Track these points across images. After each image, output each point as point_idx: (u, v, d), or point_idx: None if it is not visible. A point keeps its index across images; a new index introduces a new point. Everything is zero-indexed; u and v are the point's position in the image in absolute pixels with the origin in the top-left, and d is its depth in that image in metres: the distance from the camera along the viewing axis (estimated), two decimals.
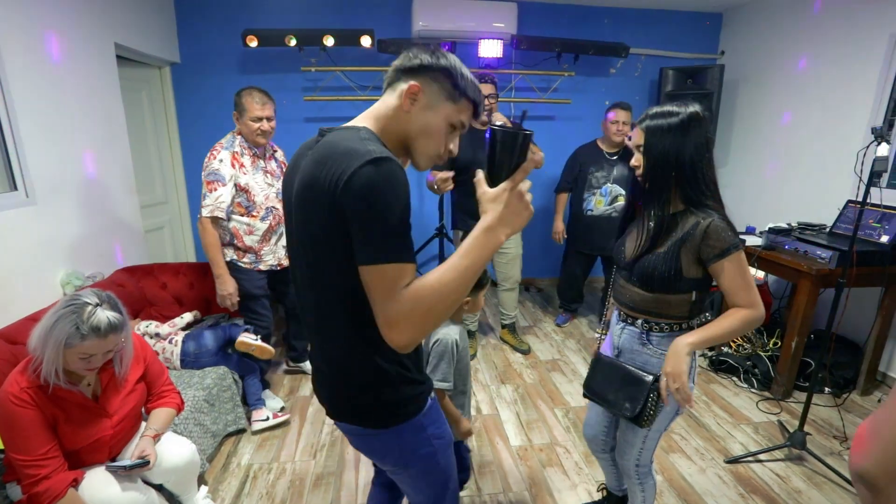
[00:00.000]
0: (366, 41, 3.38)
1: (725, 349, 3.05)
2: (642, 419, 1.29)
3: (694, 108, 1.27)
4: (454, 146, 0.98)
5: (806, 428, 2.17)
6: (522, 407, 2.62)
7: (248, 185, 2.28)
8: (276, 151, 2.49)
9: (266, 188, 2.36)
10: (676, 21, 4.11)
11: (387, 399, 0.96)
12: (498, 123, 2.25)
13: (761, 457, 2.19)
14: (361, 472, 2.10)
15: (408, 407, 0.99)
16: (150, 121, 3.54)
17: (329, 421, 2.44)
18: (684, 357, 1.23)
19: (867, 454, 0.55)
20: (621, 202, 3.15)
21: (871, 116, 2.89)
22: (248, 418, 2.37)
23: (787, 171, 3.49)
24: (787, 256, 2.56)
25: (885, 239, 2.50)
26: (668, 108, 1.28)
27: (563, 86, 3.96)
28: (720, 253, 1.21)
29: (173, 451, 1.58)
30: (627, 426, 1.46)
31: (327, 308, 0.92)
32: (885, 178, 2.77)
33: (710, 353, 3.13)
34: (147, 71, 3.49)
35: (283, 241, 2.45)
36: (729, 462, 2.17)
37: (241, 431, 2.33)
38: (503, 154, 0.84)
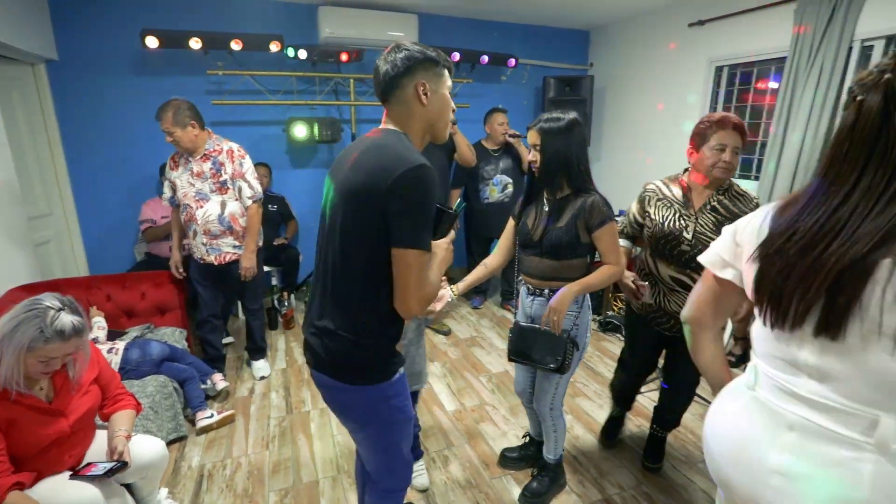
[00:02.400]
0: (274, 47, 3.43)
1: (610, 312, 3.70)
2: (563, 368, 1.67)
3: (573, 114, 1.69)
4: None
5: None
6: (452, 378, 2.96)
7: (175, 183, 2.55)
8: (219, 153, 2.53)
9: (187, 187, 2.52)
10: (554, 36, 4.75)
11: (362, 362, 1.14)
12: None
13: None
14: (317, 450, 2.26)
15: (377, 372, 1.16)
16: (24, 123, 3.21)
17: (275, 414, 2.55)
18: (568, 298, 1.62)
19: (686, 309, 1.06)
20: (510, 189, 3.71)
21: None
22: (193, 422, 2.39)
23: (647, 165, 4.28)
24: None
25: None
26: (555, 114, 1.68)
27: (462, 91, 4.37)
28: (599, 223, 1.61)
29: (145, 447, 1.63)
30: (543, 376, 1.80)
31: (349, 281, 1.11)
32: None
33: (598, 318, 3.77)
34: (17, 67, 3.16)
35: (203, 239, 2.53)
36: None
37: (182, 438, 2.34)
38: (444, 226, 1.20)
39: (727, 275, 0.94)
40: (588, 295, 1.76)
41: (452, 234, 1.22)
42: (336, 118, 3.93)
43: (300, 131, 3.72)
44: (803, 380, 0.80)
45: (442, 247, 1.17)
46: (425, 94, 1.13)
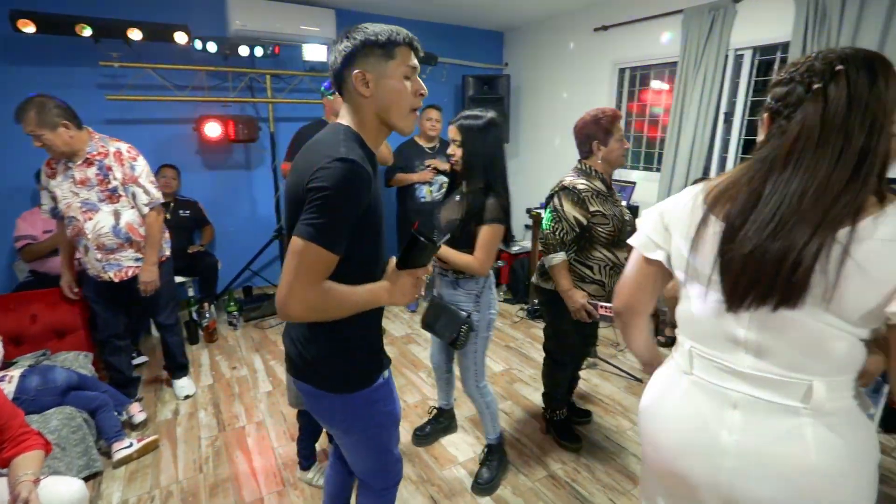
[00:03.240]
0: (181, 37, 3.16)
1: (536, 301, 3.90)
2: (457, 343, 1.79)
3: (492, 113, 1.78)
4: (422, 88, 1.07)
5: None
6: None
7: (54, 193, 2.22)
8: (105, 155, 2.23)
9: (70, 197, 2.21)
10: (471, 36, 4.88)
11: (341, 368, 1.10)
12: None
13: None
14: (258, 466, 2.14)
15: (359, 379, 1.11)
16: None
17: (206, 433, 2.38)
18: (447, 255, 1.73)
19: (615, 300, 1.07)
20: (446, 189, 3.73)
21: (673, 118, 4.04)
22: (109, 455, 2.15)
23: (564, 161, 4.56)
24: None
25: (623, 203, 3.58)
26: (475, 112, 1.77)
27: None
28: (489, 220, 1.68)
29: (60, 490, 1.44)
30: (461, 356, 1.93)
31: None
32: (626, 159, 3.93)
33: (526, 307, 3.96)
34: None
35: (96, 255, 2.26)
36: None
37: (97, 475, 2.09)
38: (418, 256, 1.06)
39: (658, 256, 0.95)
40: (492, 278, 1.89)
41: (429, 268, 1.11)
42: (253, 116, 3.72)
43: (213, 130, 3.47)
44: (741, 356, 0.82)
45: (404, 277, 1.07)
46: (366, 84, 1.00)
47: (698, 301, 0.87)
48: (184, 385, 2.71)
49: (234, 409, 2.59)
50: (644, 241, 0.98)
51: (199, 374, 2.95)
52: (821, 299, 0.73)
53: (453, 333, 1.78)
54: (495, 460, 2.05)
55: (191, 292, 3.63)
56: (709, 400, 0.86)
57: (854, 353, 0.77)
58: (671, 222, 0.92)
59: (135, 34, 3.02)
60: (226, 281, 3.86)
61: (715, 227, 0.82)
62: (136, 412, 2.40)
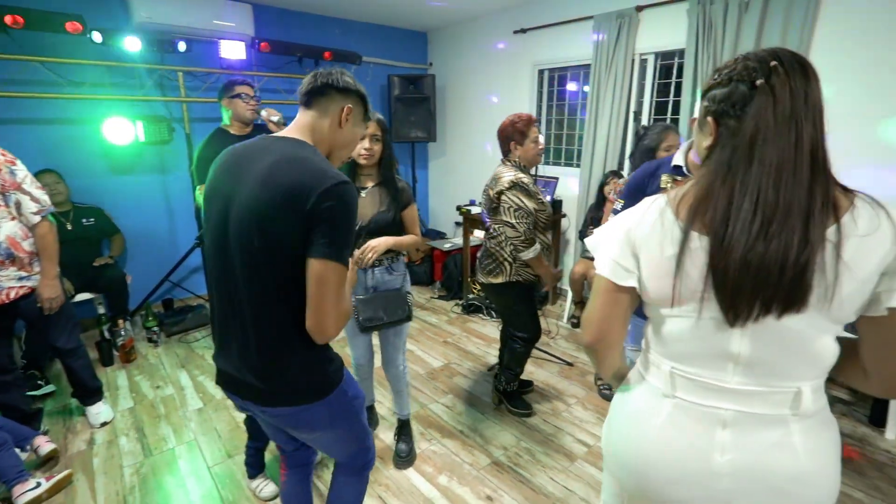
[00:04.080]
0: (73, 28, 2.86)
1: (471, 295, 4.01)
2: (411, 315, 1.97)
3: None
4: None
5: None
6: None
7: None
8: None
9: None
10: (395, 36, 4.87)
11: (319, 376, 1.14)
12: (273, 119, 2.47)
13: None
14: (192, 488, 2.02)
15: (334, 377, 1.17)
16: None
17: (130, 461, 2.20)
18: (385, 243, 1.82)
19: (588, 334, 0.93)
20: None
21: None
22: (10, 500, 1.91)
23: (489, 158, 4.70)
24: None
25: (548, 199, 3.78)
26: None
27: None
28: (408, 202, 1.94)
29: None
30: (396, 337, 2.06)
31: (267, 302, 1.05)
32: (542, 157, 4.12)
33: (461, 301, 4.05)
34: None
35: None
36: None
37: None
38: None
39: (631, 282, 0.85)
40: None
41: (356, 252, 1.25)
42: (165, 116, 3.46)
43: (119, 131, 3.19)
44: (729, 372, 0.79)
45: (352, 272, 1.20)
46: (347, 119, 1.15)
47: (687, 321, 0.80)
48: (99, 411, 2.47)
49: (161, 431, 2.41)
50: (613, 268, 0.86)
51: (116, 398, 2.71)
52: (823, 300, 0.71)
53: (404, 309, 1.93)
54: (409, 433, 2.24)
55: (100, 309, 3.31)
56: (696, 422, 0.82)
57: (835, 351, 0.77)
58: (639, 243, 0.83)
59: (13, 22, 2.67)
60: (142, 294, 3.57)
61: (698, 243, 0.75)
62: (43, 443, 2.16)
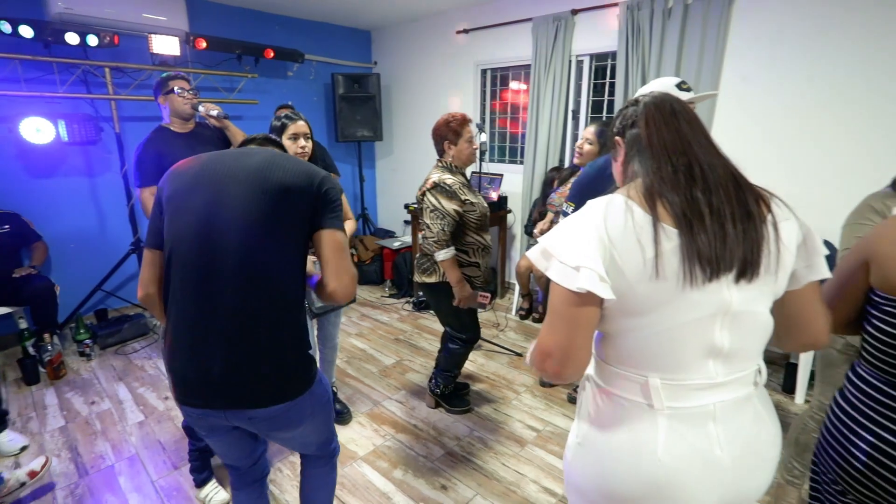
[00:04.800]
0: None
1: (420, 293, 4.05)
2: (355, 299, 2.09)
3: None
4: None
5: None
6: None
7: None
8: None
9: None
10: (339, 34, 4.81)
11: (306, 366, 1.19)
12: (213, 113, 2.42)
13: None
14: (135, 503, 1.94)
15: (313, 366, 1.22)
16: None
17: (63, 482, 2.07)
18: None
19: (548, 365, 0.81)
20: None
21: (474, 115, 4.32)
22: None
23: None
24: None
25: (494, 195, 3.89)
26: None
27: (247, 86, 4.09)
28: (339, 193, 2.19)
29: None
30: (334, 317, 2.25)
31: (257, 298, 1.08)
32: (486, 155, 4.23)
33: (411, 299, 4.09)
34: None
35: None
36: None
37: None
38: None
39: (608, 293, 0.76)
40: None
41: None
42: (91, 115, 3.25)
43: (37, 131, 2.97)
44: (710, 367, 0.81)
45: None
46: None
47: (667, 326, 0.79)
48: (10, 439, 2.27)
49: (98, 448, 2.29)
50: (592, 279, 0.74)
51: (44, 418, 2.53)
52: (769, 272, 0.79)
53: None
54: (336, 394, 2.47)
55: (23, 324, 3.07)
56: (692, 426, 0.81)
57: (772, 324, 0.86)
58: (616, 249, 0.76)
59: None
60: (71, 306, 3.34)
61: (670, 236, 0.76)
62: None
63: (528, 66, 3.90)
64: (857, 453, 0.94)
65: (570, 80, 3.66)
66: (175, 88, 2.33)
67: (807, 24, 2.62)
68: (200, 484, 1.95)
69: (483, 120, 4.32)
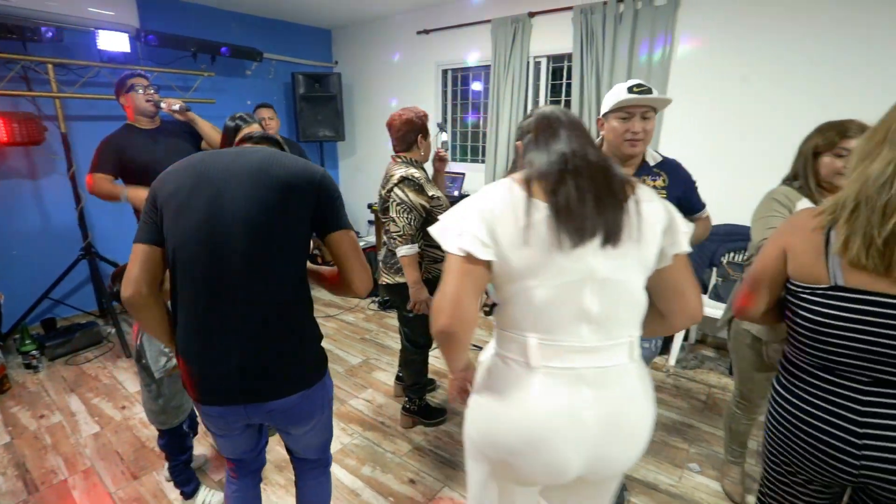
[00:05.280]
0: None
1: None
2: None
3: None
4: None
5: None
6: None
7: None
8: None
9: None
10: (298, 32, 4.75)
11: (318, 356, 1.24)
12: (175, 108, 2.37)
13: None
14: None
15: (324, 353, 1.27)
16: None
17: (9, 501, 1.97)
18: None
19: (439, 318, 0.91)
20: None
21: (436, 115, 4.36)
22: None
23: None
24: None
25: (455, 193, 3.95)
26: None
27: (203, 85, 3.99)
28: None
29: None
30: None
31: (266, 292, 1.10)
32: (449, 154, 4.28)
33: (377, 298, 4.09)
34: None
35: None
36: None
37: None
38: None
39: (489, 255, 0.89)
40: None
41: None
42: (33, 113, 3.09)
43: None
44: (585, 332, 0.89)
45: None
46: None
47: (542, 290, 0.88)
48: None
49: (50, 463, 2.19)
50: (472, 241, 0.88)
51: None
52: (632, 239, 0.89)
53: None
54: None
55: None
56: (565, 385, 0.89)
57: (646, 301, 0.95)
58: (495, 218, 0.89)
59: None
60: (16, 315, 3.16)
61: (541, 212, 0.88)
62: None
63: (488, 67, 3.98)
64: (803, 435, 0.98)
65: (528, 80, 3.76)
66: (135, 86, 2.34)
67: (741, 30, 2.82)
68: (191, 494, 1.89)
69: (445, 119, 4.37)
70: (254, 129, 1.97)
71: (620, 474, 1.04)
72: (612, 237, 0.87)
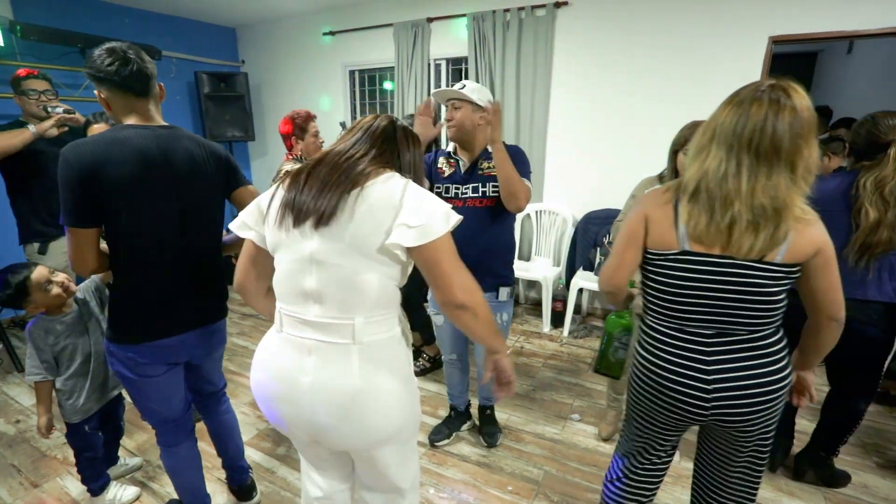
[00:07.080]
0: None
1: None
2: None
3: None
4: None
5: None
6: None
7: None
8: None
9: None
10: (201, 30, 4.63)
11: (226, 293, 1.59)
12: (59, 111, 2.35)
13: None
14: None
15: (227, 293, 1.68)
16: None
17: None
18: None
19: (235, 282, 1.16)
20: None
21: (345, 114, 4.46)
22: None
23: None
24: None
25: None
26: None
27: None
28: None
29: None
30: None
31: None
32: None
33: None
34: None
35: None
36: None
37: None
38: None
39: (250, 235, 1.08)
40: None
41: None
42: None
43: None
44: (310, 307, 0.99)
45: None
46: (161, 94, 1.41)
47: (282, 265, 1.02)
48: None
49: None
50: (238, 224, 1.10)
51: None
52: (342, 227, 0.95)
53: None
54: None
55: None
56: (292, 350, 1.01)
57: (386, 290, 1.00)
58: (262, 208, 1.08)
59: None
60: None
61: (279, 199, 1.03)
62: None
63: (392, 68, 4.16)
64: (663, 388, 1.11)
65: (429, 81, 3.99)
66: (27, 90, 2.35)
67: (612, 37, 3.25)
68: (99, 491, 1.85)
69: (354, 119, 4.50)
70: (101, 129, 2.05)
71: (365, 450, 1.07)
72: (324, 221, 0.95)
